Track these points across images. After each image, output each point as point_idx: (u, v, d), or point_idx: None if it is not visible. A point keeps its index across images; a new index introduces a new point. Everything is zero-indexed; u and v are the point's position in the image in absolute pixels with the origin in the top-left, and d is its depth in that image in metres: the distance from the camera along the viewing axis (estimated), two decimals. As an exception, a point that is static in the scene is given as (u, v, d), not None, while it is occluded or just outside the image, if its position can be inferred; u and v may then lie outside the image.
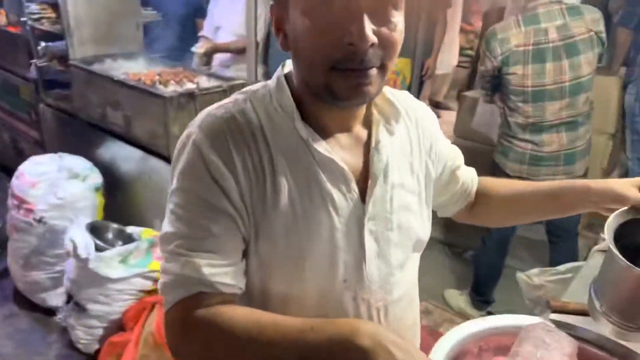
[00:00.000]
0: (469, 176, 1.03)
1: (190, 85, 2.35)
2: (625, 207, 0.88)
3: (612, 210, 0.92)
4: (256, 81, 2.39)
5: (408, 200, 0.86)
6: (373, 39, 0.68)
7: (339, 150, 0.80)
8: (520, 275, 1.79)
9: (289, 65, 0.85)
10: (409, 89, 2.73)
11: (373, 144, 0.83)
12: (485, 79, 2.32)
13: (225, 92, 2.24)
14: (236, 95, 0.83)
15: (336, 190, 0.79)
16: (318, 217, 0.77)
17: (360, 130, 0.84)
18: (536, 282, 1.72)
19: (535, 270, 1.80)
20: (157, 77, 2.33)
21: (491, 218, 1.08)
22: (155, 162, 2.33)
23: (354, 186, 0.80)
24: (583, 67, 2.13)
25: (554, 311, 1.29)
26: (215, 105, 0.82)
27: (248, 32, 2.21)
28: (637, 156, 2.79)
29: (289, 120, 0.78)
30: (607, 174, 3.03)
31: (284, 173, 0.77)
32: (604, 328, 0.92)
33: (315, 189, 0.78)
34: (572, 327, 0.98)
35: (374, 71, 0.72)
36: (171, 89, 2.29)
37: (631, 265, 0.81)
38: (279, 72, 0.84)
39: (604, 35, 2.13)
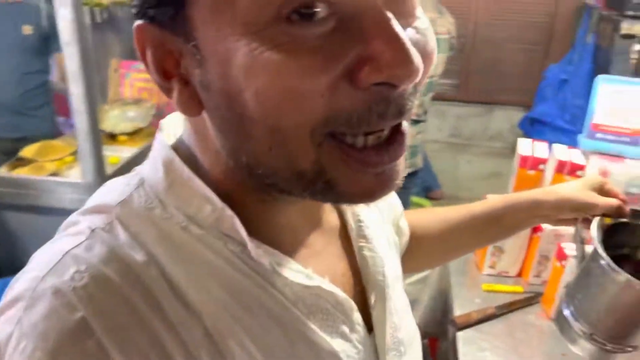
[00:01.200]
0: (405, 222, 0.77)
1: None
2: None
3: (563, 222, 0.78)
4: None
5: (403, 293, 0.56)
6: (419, 59, 0.32)
7: (316, 262, 0.45)
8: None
9: (169, 131, 0.45)
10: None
11: (354, 227, 0.50)
12: None
13: None
14: (85, 219, 0.40)
15: (338, 339, 0.44)
16: None
17: (329, 213, 0.50)
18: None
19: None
20: None
21: (427, 261, 0.84)
22: None
23: (358, 317, 0.46)
24: (438, 67, 2.04)
25: (461, 328, 1.17)
26: (42, 255, 0.38)
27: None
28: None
29: (218, 242, 0.40)
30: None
31: (242, 347, 0.38)
32: (580, 350, 0.79)
33: (305, 352, 0.41)
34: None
35: (405, 130, 0.38)
36: None
37: (634, 278, 0.68)
38: (160, 148, 0.42)
39: (455, 41, 2.09)
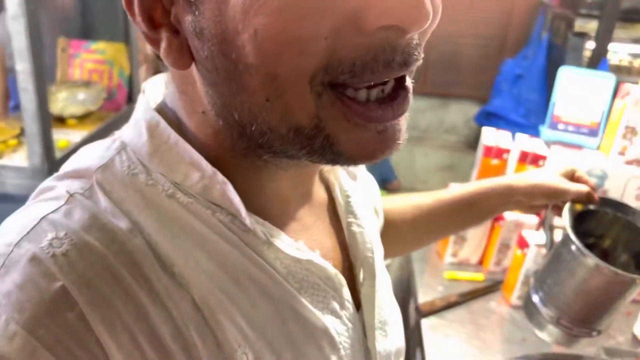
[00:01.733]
0: (381, 206, 0.75)
1: None
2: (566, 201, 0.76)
3: (535, 208, 0.79)
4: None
5: (386, 273, 0.55)
6: (430, 4, 0.30)
7: (307, 236, 0.43)
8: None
9: (155, 90, 0.42)
10: (130, 81, 2.23)
11: (342, 203, 0.48)
12: None
13: None
14: (62, 183, 0.37)
15: (328, 315, 0.42)
16: None
17: (317, 188, 0.48)
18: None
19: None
20: None
21: (399, 248, 0.83)
22: None
23: (347, 294, 0.44)
24: None
25: (425, 315, 1.17)
26: (15, 220, 0.34)
27: None
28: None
29: (206, 212, 0.37)
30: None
31: (232, 321, 0.36)
32: (547, 336, 0.80)
33: (296, 328, 0.39)
34: None
35: (409, 86, 0.35)
36: None
37: (603, 262, 0.69)
38: (144, 111, 0.39)
39: None
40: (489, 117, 2.65)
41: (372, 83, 0.33)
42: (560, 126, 1.23)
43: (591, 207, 0.76)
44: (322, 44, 0.30)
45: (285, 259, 0.40)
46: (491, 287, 1.23)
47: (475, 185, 0.77)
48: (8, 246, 0.32)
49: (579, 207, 0.75)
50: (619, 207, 0.77)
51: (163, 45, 0.34)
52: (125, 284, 0.32)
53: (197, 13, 0.32)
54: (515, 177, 0.78)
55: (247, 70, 0.31)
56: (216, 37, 0.32)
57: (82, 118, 2.04)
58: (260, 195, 0.41)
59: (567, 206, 0.73)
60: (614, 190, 1.10)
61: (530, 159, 1.19)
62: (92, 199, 0.35)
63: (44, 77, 1.53)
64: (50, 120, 1.58)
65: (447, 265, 1.35)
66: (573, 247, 0.70)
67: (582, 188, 0.74)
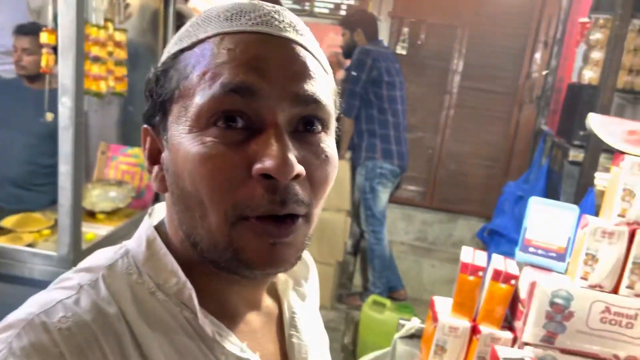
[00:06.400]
0: None
1: None
2: None
3: None
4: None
5: None
6: (299, 168, 0.46)
7: (251, 339, 0.55)
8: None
9: (158, 212, 0.58)
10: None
11: (288, 318, 0.61)
12: None
13: None
14: (77, 276, 0.51)
15: None
16: None
17: (268, 300, 0.61)
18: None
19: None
20: None
21: None
22: None
23: None
24: None
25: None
26: (38, 299, 0.48)
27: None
28: (371, 229, 3.11)
29: (176, 309, 0.51)
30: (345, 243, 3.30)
31: None
32: None
33: None
34: None
35: (299, 222, 0.49)
36: None
37: None
38: (146, 228, 0.55)
39: None
40: (491, 235, 2.77)
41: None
42: (531, 249, 1.35)
43: None
44: (227, 184, 0.46)
45: (230, 355, 0.51)
46: (466, 399, 1.28)
47: None
48: (29, 315, 0.46)
49: None
50: None
51: (153, 174, 0.53)
52: (106, 352, 0.46)
53: (166, 156, 0.50)
54: None
55: (189, 196, 0.48)
56: (173, 173, 0.49)
57: (111, 214, 2.24)
58: (219, 300, 0.54)
59: None
60: (579, 312, 1.19)
61: (502, 278, 1.31)
62: (95, 288, 0.50)
63: (81, 179, 1.74)
64: (81, 216, 1.76)
65: (428, 375, 1.41)
66: None
67: None
